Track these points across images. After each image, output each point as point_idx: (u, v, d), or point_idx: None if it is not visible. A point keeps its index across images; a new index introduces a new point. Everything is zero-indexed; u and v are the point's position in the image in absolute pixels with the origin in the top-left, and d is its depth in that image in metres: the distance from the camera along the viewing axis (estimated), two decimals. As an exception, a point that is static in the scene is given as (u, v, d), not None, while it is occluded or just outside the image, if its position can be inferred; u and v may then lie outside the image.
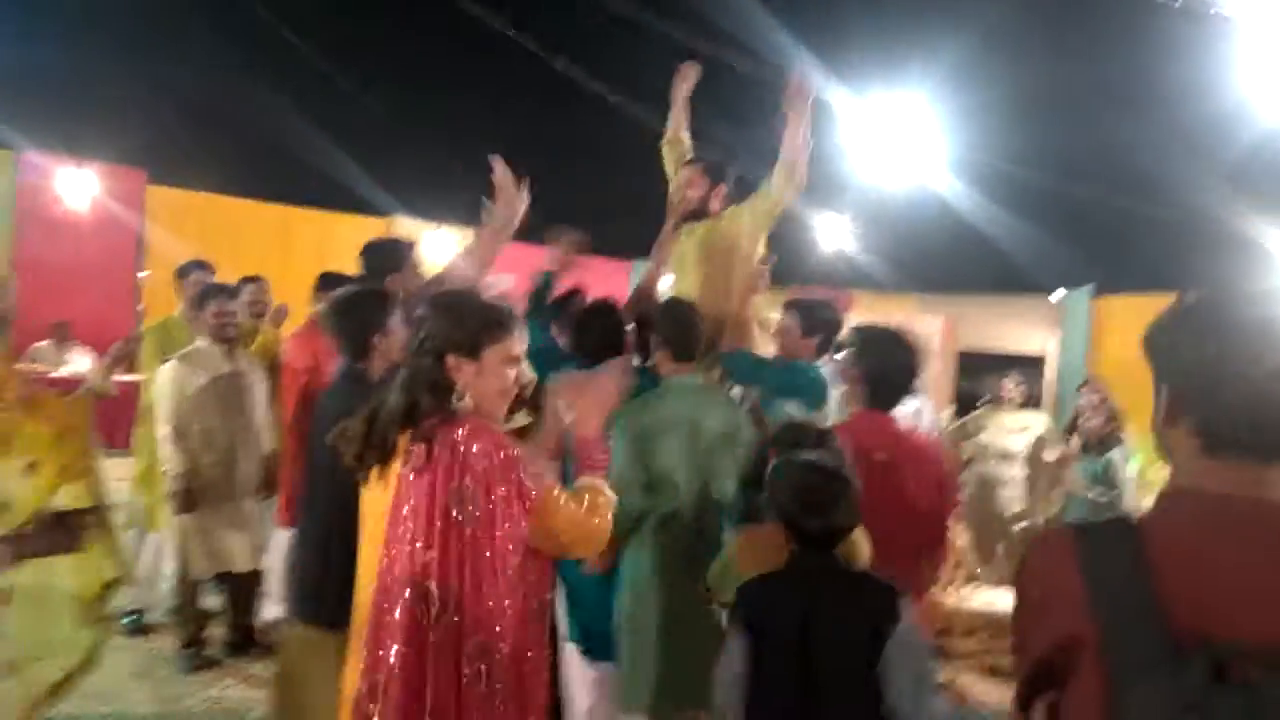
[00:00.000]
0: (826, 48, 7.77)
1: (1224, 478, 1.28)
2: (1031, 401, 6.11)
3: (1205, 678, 1.17)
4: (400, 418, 1.94)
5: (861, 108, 8.26)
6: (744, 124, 10.58)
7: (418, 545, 1.82)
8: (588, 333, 3.03)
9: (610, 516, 1.97)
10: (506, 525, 1.82)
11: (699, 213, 3.50)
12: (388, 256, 3.32)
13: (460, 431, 1.86)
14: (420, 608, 1.80)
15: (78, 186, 8.81)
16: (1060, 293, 10.28)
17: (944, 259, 11.98)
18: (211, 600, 4.15)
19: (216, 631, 4.13)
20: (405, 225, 9.92)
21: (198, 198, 9.56)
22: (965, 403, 7.24)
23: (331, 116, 10.84)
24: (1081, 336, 9.63)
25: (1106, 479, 4.98)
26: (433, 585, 1.80)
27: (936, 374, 8.92)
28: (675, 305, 3.05)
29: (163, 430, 3.73)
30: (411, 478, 1.88)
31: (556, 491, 1.92)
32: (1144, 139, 8.40)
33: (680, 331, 2.82)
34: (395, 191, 10.48)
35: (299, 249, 9.00)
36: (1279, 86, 5.58)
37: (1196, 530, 1.29)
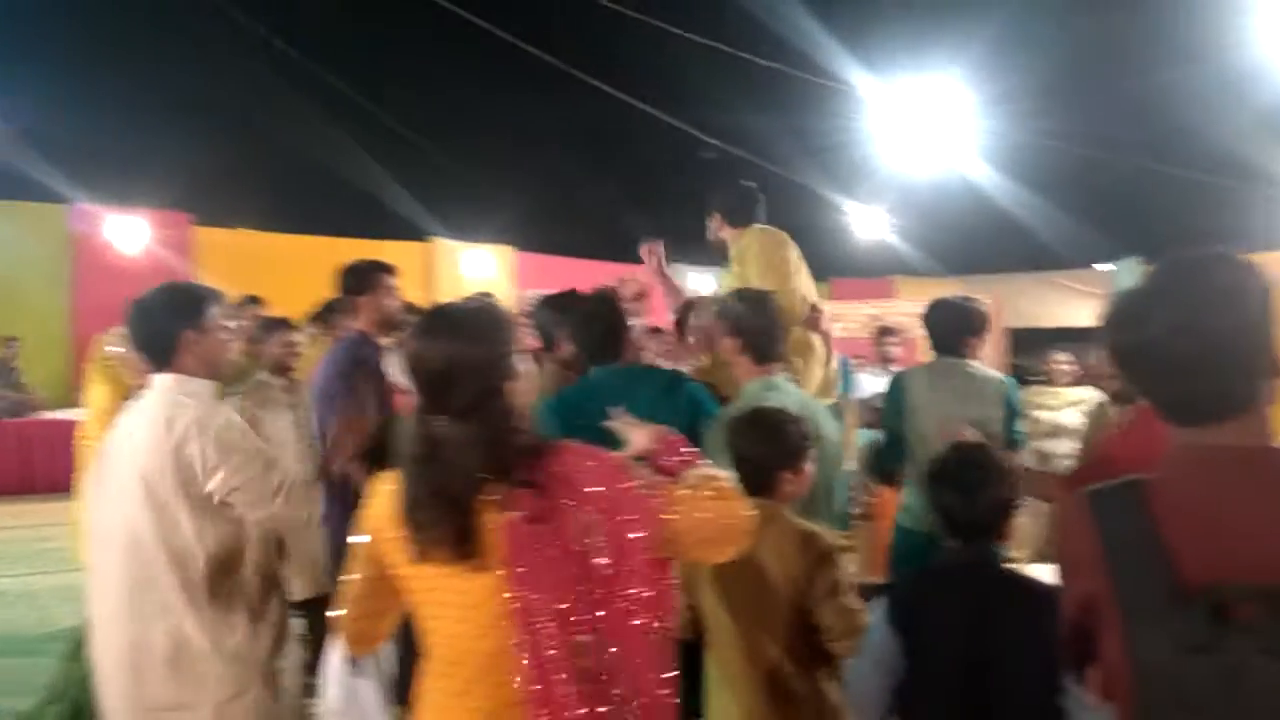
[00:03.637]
0: (855, 34, 7.78)
1: (1210, 430, 1.32)
2: (1089, 374, 6.05)
3: (1208, 619, 1.21)
4: (479, 471, 1.57)
5: (892, 95, 8.22)
6: (777, 112, 10.62)
7: (560, 608, 1.55)
8: (593, 327, 2.80)
9: (746, 501, 1.71)
10: (638, 543, 1.58)
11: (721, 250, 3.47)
12: (359, 278, 3.32)
13: (560, 460, 1.58)
14: (586, 687, 1.55)
15: (128, 233, 9.10)
16: (1108, 265, 10.15)
17: (985, 241, 11.85)
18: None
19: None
20: (445, 246, 10.09)
21: (243, 236, 9.82)
22: (1019, 379, 7.18)
23: (370, 144, 11.05)
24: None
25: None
26: (590, 659, 1.55)
27: (986, 352, 8.88)
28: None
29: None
30: (527, 529, 1.56)
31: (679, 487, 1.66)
32: (1175, 102, 8.26)
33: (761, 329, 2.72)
34: (435, 213, 10.65)
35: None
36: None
37: (1197, 481, 1.33)
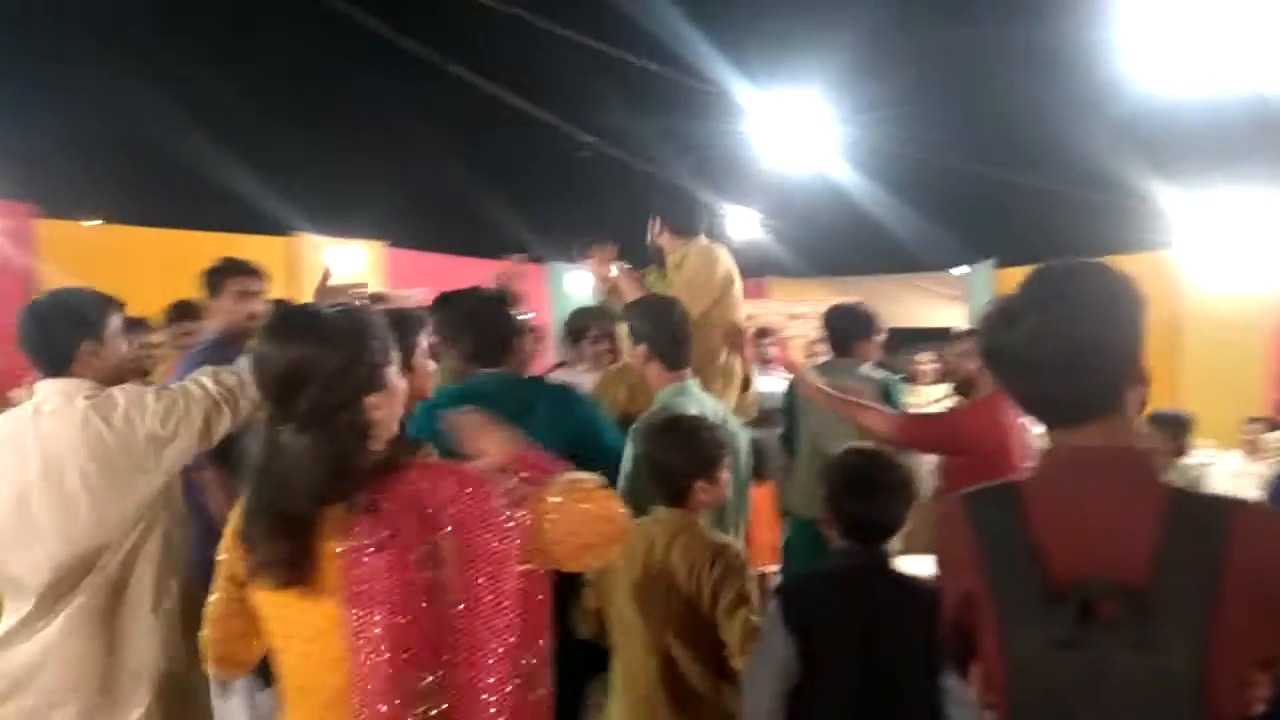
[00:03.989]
0: (729, 40, 7.91)
1: (1082, 433, 1.39)
2: (948, 372, 6.36)
3: (1075, 616, 1.28)
4: (320, 490, 1.43)
5: (763, 102, 8.40)
6: (652, 112, 10.68)
7: (400, 643, 1.40)
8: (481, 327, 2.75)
9: (619, 500, 1.64)
10: (504, 564, 1.46)
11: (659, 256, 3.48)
12: (210, 280, 3.27)
13: (415, 480, 1.46)
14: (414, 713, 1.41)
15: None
16: (964, 269, 10.66)
17: (851, 243, 12.28)
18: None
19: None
20: (310, 241, 9.74)
21: (91, 229, 9.18)
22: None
23: (229, 135, 10.54)
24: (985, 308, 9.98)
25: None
26: (424, 680, 1.41)
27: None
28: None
29: None
30: (366, 559, 1.41)
31: (547, 495, 1.57)
32: (1033, 112, 8.76)
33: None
34: (300, 208, 10.25)
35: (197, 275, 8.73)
36: (1162, 48, 5.87)
37: (1063, 482, 1.39)
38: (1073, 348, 1.36)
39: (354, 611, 1.41)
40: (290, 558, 1.43)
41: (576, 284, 10.28)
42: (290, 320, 1.52)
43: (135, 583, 2.17)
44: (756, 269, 14.47)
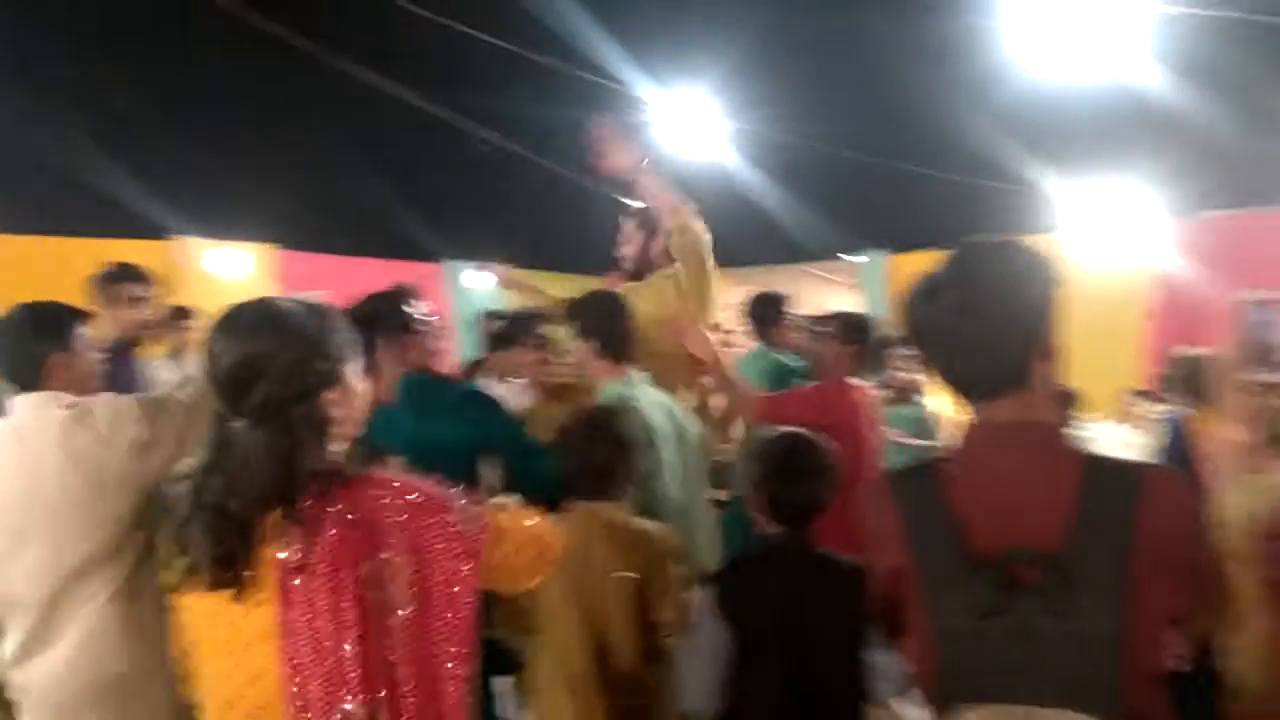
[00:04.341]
0: (626, 35, 7.90)
1: (998, 408, 1.45)
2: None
3: (998, 586, 1.33)
4: (271, 493, 1.37)
5: (659, 96, 8.43)
6: (551, 107, 10.60)
7: (331, 667, 1.33)
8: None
9: (552, 521, 1.66)
10: (453, 588, 1.39)
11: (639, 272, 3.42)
12: (96, 288, 3.27)
13: (368, 490, 1.40)
14: None
15: None
16: (858, 256, 10.94)
17: (745, 234, 12.43)
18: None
19: None
20: (189, 245, 9.33)
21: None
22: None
23: (101, 135, 9.99)
24: (880, 296, 10.27)
25: (923, 425, 5.38)
26: (357, 700, 1.33)
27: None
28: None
29: None
30: (307, 568, 1.35)
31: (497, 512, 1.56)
32: (922, 102, 9.04)
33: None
34: (180, 210, 9.81)
35: (70, 282, 8.27)
36: (1044, 38, 6.14)
37: (982, 457, 1.45)
38: (987, 324, 1.41)
39: (289, 623, 1.34)
40: (227, 559, 1.36)
41: (475, 281, 10.14)
42: (246, 313, 1.46)
43: (147, 590, 2.13)
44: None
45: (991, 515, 1.38)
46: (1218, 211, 8.52)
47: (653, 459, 2.46)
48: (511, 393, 3.81)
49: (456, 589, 1.40)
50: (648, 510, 2.41)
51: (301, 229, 10.72)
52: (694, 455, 2.81)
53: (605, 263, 3.69)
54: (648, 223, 3.42)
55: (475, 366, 4.81)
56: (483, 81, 9.06)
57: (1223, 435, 2.06)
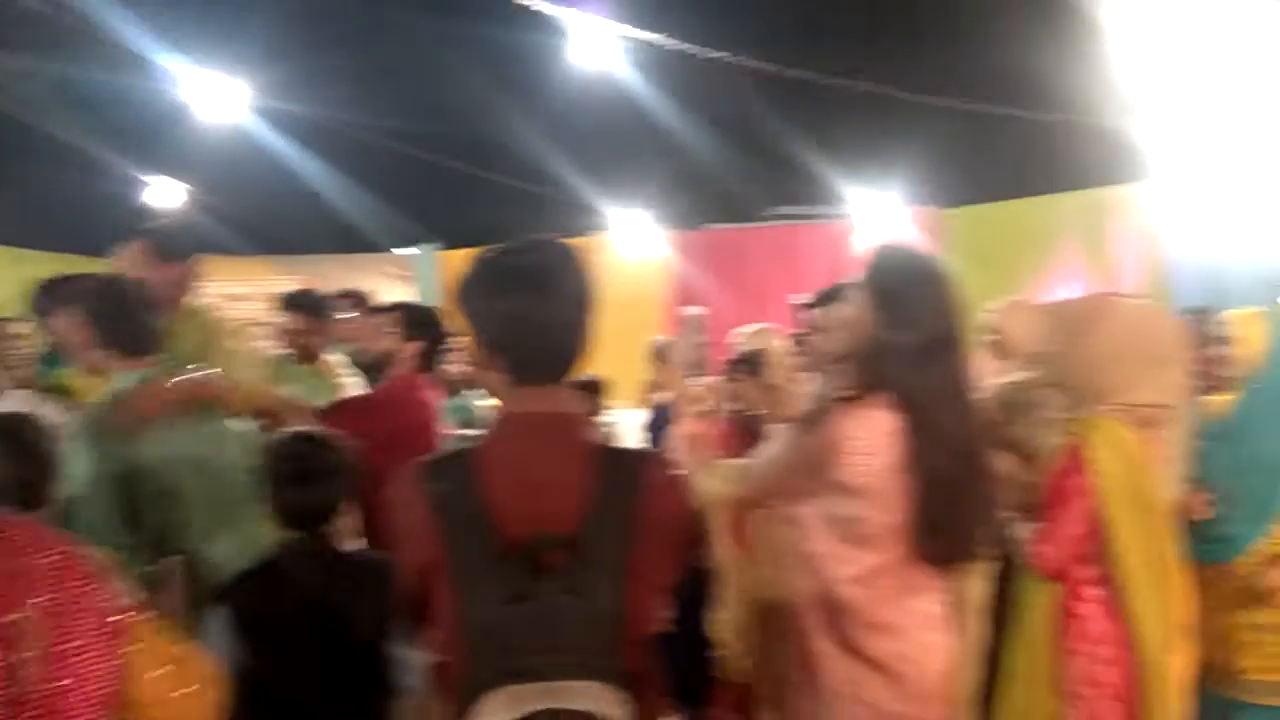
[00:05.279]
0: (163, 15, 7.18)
1: (529, 400, 1.53)
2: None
3: (526, 571, 1.40)
4: None
5: (193, 70, 7.77)
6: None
7: None
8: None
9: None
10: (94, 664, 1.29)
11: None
12: None
13: (14, 537, 1.27)
14: None
15: None
16: (411, 250, 11.02)
17: (298, 221, 11.91)
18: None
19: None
20: None
21: None
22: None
23: None
24: (431, 290, 10.46)
25: (473, 418, 5.62)
26: None
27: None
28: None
29: None
30: None
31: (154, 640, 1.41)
32: (477, 105, 9.38)
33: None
34: None
35: None
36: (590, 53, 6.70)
37: (512, 447, 1.52)
38: (555, 314, 1.51)
39: None
40: None
41: None
42: None
43: None
44: (189, 248, 13.20)
45: (521, 503, 1.44)
46: (715, 225, 10.14)
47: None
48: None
49: (93, 664, 1.29)
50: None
51: None
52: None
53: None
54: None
55: None
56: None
57: (679, 427, 2.39)
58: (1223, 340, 3.00)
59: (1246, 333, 2.99)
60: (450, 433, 5.53)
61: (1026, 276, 8.06)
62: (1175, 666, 2.31)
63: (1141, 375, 2.40)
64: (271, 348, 4.39)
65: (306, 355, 4.29)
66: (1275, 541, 2.90)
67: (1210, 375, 3.00)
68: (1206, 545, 2.80)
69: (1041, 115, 7.89)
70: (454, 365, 5.70)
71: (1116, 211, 8.18)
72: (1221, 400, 3.05)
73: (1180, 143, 7.41)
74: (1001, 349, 3.48)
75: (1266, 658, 2.87)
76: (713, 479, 2.18)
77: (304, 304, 4.38)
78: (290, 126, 9.15)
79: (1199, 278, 7.59)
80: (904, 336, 2.02)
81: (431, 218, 10.70)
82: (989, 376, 3.46)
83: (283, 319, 4.37)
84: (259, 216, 11.77)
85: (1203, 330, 3.00)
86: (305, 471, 2.02)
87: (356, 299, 5.57)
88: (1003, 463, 2.39)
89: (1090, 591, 2.36)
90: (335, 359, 4.46)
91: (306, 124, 9.16)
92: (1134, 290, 7.49)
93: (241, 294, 9.19)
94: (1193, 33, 6.13)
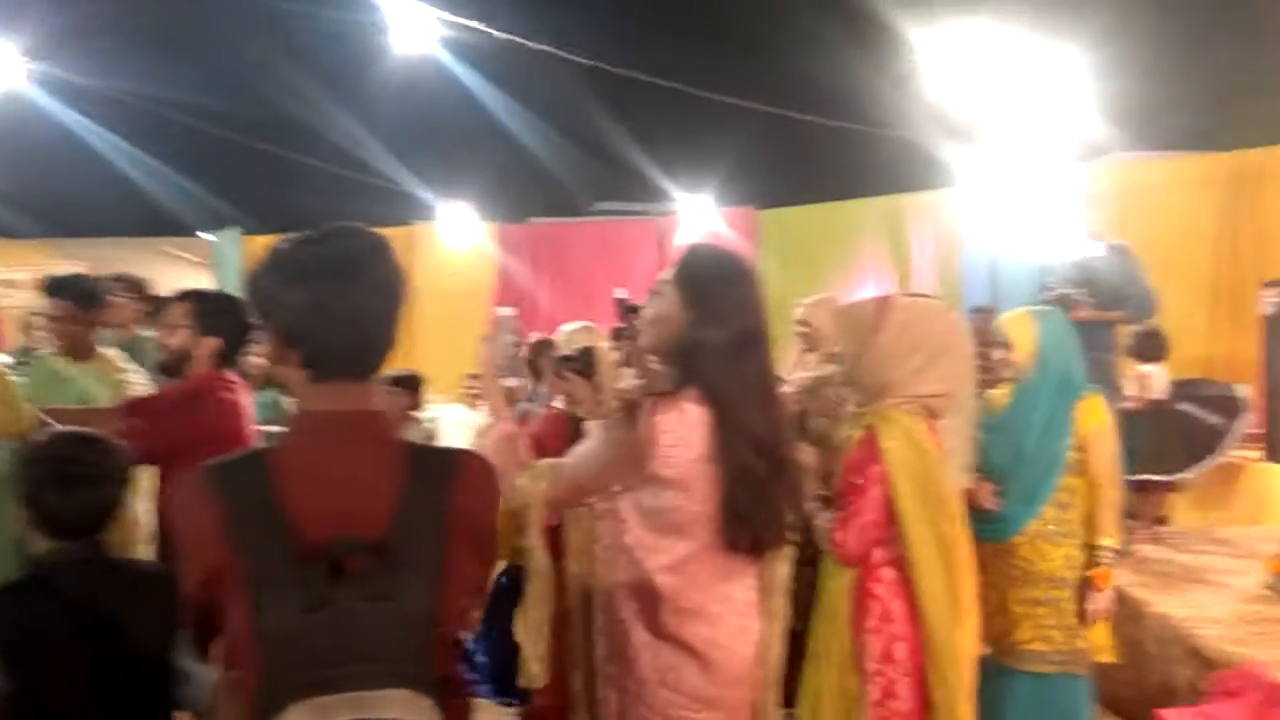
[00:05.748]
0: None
1: (330, 397, 1.44)
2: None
3: (325, 577, 1.32)
4: None
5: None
6: None
7: None
8: None
9: None
10: None
11: None
12: None
13: None
14: None
15: None
16: (210, 235, 10.42)
17: (84, 202, 11.01)
18: None
19: None
20: None
21: None
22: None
23: None
24: (234, 275, 9.92)
25: (280, 412, 5.37)
26: None
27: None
28: None
29: None
30: None
31: None
32: (287, 88, 8.97)
33: None
34: None
35: None
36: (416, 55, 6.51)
37: (312, 447, 1.44)
38: (365, 304, 1.43)
39: None
40: None
41: None
42: None
43: None
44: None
45: (320, 506, 1.37)
46: (540, 219, 10.12)
47: None
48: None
49: None
50: None
51: None
52: None
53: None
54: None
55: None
56: None
57: (493, 427, 2.34)
58: (1001, 338, 3.28)
59: (1018, 333, 3.27)
60: (260, 429, 5.25)
61: (836, 275, 8.54)
62: (960, 641, 2.49)
63: (924, 368, 2.56)
64: (45, 341, 3.99)
65: (78, 349, 3.85)
66: (1046, 522, 3.18)
67: (989, 371, 3.28)
68: (986, 526, 3.06)
69: (844, 123, 8.35)
70: (259, 357, 5.42)
71: (917, 216, 8.81)
72: (1000, 394, 3.34)
73: (977, 155, 8.12)
74: (811, 341, 3.70)
75: (1038, 629, 3.16)
76: (527, 479, 2.17)
77: (70, 289, 3.85)
78: (73, 96, 8.41)
79: (988, 280, 8.32)
80: (713, 333, 2.09)
81: (240, 202, 10.15)
82: (799, 369, 3.66)
83: (47, 306, 3.90)
84: (42, 197, 10.83)
85: (983, 329, 3.25)
86: (69, 475, 1.87)
87: (130, 284, 5.17)
88: (805, 454, 2.49)
89: (885, 573, 2.50)
90: (113, 353, 4.05)
91: (92, 94, 8.45)
92: (930, 289, 8.08)
93: (16, 280, 8.46)
94: (989, 60, 6.85)
